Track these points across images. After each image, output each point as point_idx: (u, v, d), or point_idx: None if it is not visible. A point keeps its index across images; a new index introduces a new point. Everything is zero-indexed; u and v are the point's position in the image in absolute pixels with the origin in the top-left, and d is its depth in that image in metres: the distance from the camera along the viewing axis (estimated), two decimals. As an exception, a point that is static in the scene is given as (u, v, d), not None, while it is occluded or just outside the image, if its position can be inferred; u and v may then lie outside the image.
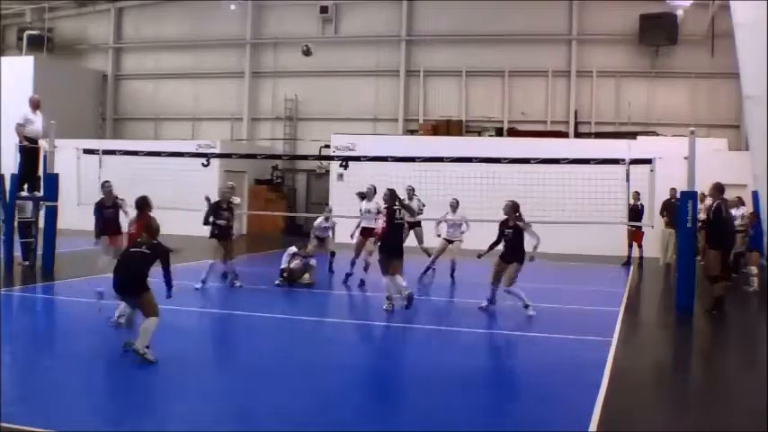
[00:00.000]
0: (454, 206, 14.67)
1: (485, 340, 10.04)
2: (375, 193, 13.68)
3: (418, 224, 15.30)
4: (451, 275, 14.61)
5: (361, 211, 14.07)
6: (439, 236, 14.91)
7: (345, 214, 15.46)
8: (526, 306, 11.03)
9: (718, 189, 12.02)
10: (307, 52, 17.95)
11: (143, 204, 9.92)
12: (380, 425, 6.20)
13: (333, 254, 15.30)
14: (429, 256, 15.26)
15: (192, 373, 7.63)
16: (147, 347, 7.58)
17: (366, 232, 13.83)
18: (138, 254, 8.00)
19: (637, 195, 16.15)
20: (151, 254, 7.99)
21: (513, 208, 11.23)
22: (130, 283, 7.86)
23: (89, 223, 12.00)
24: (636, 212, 16.39)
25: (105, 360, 7.88)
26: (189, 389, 7.10)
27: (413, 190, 15.40)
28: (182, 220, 14.07)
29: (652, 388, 7.74)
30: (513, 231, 11.17)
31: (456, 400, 6.89)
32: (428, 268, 14.82)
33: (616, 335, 9.78)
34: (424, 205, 15.43)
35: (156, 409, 6.39)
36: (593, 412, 6.32)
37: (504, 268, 11.16)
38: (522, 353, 9.40)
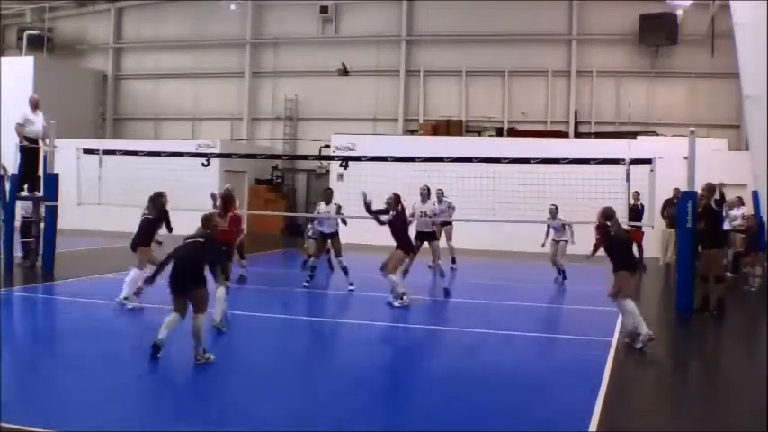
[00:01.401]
0: (553, 212, 14.87)
1: (485, 340, 10.03)
2: (429, 194, 13.59)
3: (449, 223, 16.25)
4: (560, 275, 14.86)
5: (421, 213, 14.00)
6: (543, 245, 15.18)
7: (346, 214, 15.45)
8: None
9: (711, 189, 12.06)
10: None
11: (230, 198, 10.58)
12: (381, 424, 6.20)
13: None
14: (452, 255, 16.33)
15: (190, 374, 7.64)
16: (205, 350, 7.72)
17: (423, 236, 13.83)
18: (195, 244, 7.94)
19: (637, 195, 16.14)
20: (206, 243, 7.98)
21: (603, 215, 9.72)
22: (188, 276, 7.69)
23: (89, 223, 12.01)
24: (636, 212, 16.39)
25: (105, 360, 7.88)
26: (189, 389, 7.11)
27: (442, 192, 15.84)
28: (181, 221, 14.06)
29: (652, 388, 7.74)
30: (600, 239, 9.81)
31: (456, 400, 6.89)
32: (560, 272, 14.94)
33: (616, 335, 9.77)
34: (453, 208, 15.92)
35: (156, 409, 6.38)
36: (593, 412, 6.32)
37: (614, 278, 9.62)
38: (523, 353, 9.39)
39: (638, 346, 8.98)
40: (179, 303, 7.76)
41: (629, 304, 9.23)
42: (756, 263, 14.78)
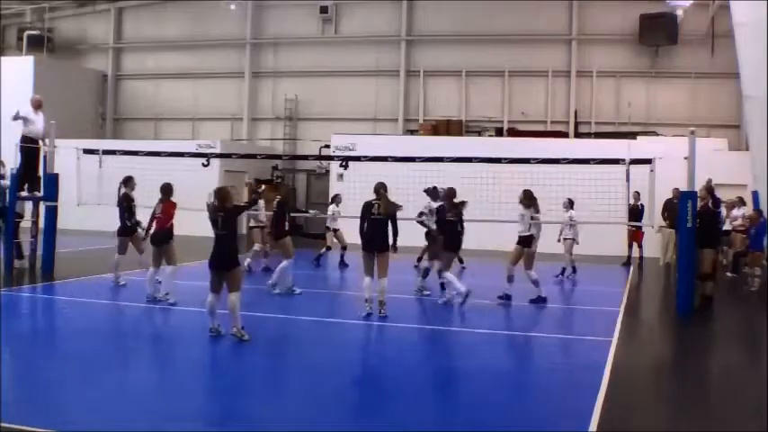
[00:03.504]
0: (566, 205, 15.51)
1: (485, 340, 10.03)
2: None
3: None
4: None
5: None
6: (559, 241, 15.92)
7: (346, 214, 15.49)
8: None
9: (710, 190, 12.11)
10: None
11: (167, 191, 11.37)
12: (380, 424, 6.19)
13: (345, 248, 16.18)
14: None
15: (189, 373, 7.64)
16: (243, 327, 8.67)
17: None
18: (219, 225, 8.83)
19: (637, 195, 16.15)
20: (226, 215, 8.85)
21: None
22: (225, 258, 8.80)
23: (89, 223, 11.98)
24: (636, 212, 16.40)
25: (105, 360, 7.88)
26: (188, 388, 7.11)
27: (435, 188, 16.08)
28: (181, 221, 14.04)
29: (652, 388, 7.74)
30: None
31: (456, 400, 6.90)
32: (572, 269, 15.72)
33: (616, 335, 9.77)
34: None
35: (156, 409, 6.38)
36: (593, 412, 6.32)
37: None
38: (523, 353, 9.40)
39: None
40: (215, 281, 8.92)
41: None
42: (755, 263, 14.76)
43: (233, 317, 8.73)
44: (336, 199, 16.54)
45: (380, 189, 10.75)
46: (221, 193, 8.98)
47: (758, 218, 15.01)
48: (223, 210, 8.87)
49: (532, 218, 12.10)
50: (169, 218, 11.30)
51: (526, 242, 12.13)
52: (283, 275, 12.32)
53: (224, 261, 8.83)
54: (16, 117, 14.15)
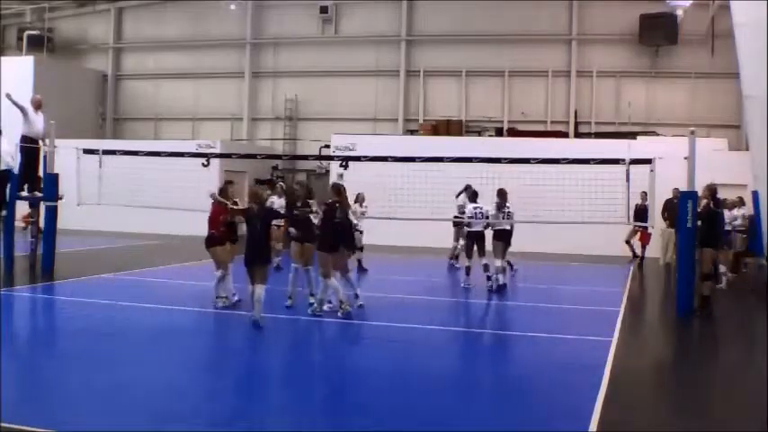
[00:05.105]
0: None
1: (485, 340, 10.04)
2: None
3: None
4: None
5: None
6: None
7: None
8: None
9: (712, 190, 12.13)
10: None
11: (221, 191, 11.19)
12: (379, 424, 6.19)
13: (361, 249, 15.62)
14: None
15: (189, 373, 7.64)
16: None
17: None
18: (257, 223, 9.55)
19: (644, 195, 16.07)
20: (265, 217, 9.72)
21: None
22: (261, 254, 9.55)
23: (89, 223, 11.97)
24: (643, 212, 16.35)
25: (104, 360, 7.88)
26: (188, 388, 7.11)
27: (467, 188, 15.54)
28: (182, 221, 14.06)
29: (652, 388, 7.74)
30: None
31: (456, 400, 6.89)
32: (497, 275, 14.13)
33: (616, 335, 9.78)
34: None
35: (154, 409, 6.38)
36: (593, 412, 6.32)
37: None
38: (523, 353, 9.39)
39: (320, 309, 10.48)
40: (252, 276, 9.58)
41: (332, 283, 10.38)
42: (725, 259, 14.75)
43: (257, 306, 9.36)
44: (360, 198, 15.28)
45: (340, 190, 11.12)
46: (258, 195, 10.05)
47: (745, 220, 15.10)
48: (262, 210, 9.74)
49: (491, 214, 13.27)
50: (212, 221, 10.91)
51: (505, 236, 13.27)
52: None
53: (261, 256, 9.57)
54: (11, 99, 13.90)
